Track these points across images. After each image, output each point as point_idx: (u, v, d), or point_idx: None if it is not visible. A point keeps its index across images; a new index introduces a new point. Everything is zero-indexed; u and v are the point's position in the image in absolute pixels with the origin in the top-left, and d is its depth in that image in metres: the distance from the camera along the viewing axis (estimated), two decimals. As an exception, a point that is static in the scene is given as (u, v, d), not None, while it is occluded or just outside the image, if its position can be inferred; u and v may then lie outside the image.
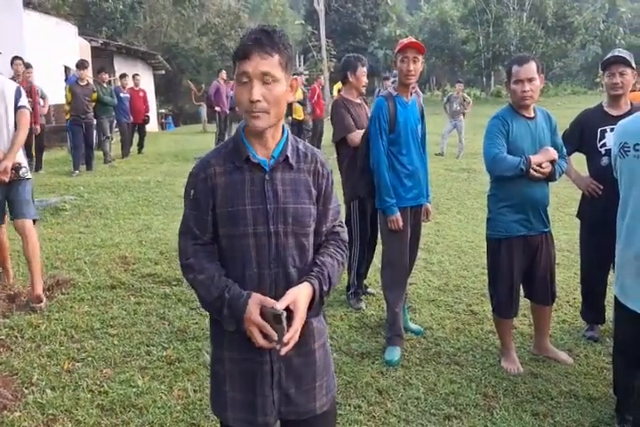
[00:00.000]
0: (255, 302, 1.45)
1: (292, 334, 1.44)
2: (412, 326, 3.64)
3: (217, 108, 11.93)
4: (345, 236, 1.70)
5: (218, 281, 1.50)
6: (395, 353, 3.24)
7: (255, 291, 1.48)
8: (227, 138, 12.28)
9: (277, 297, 1.46)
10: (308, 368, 1.59)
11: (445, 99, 13.03)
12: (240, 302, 1.45)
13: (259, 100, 1.45)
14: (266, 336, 1.44)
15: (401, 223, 3.29)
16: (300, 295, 1.47)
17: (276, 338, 1.42)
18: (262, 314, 1.43)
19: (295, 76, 1.58)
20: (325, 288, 1.54)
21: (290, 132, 1.63)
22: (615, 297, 2.49)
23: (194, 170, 1.58)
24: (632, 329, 2.41)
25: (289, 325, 1.42)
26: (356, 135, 3.86)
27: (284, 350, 1.44)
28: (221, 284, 1.49)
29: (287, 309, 1.43)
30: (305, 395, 1.58)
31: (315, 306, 1.53)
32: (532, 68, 2.98)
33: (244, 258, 1.53)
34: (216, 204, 1.53)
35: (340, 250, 1.65)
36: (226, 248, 1.56)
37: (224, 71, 12.80)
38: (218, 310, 1.50)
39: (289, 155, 1.55)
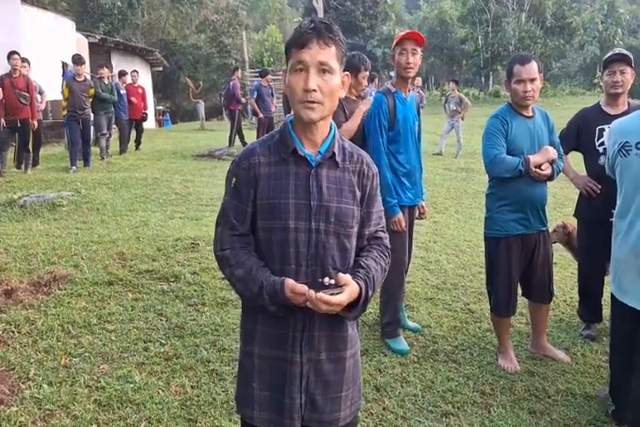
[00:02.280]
0: (289, 290, 1.41)
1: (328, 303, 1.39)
2: (410, 324, 3.63)
3: (242, 100, 12.43)
4: (387, 242, 1.64)
5: (255, 277, 1.46)
6: (402, 343, 3.27)
7: None
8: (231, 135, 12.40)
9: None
10: (337, 376, 1.55)
11: (444, 99, 13.04)
12: (279, 298, 1.43)
13: (314, 90, 1.42)
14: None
15: (404, 224, 3.27)
16: (350, 284, 1.42)
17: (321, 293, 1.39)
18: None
19: (347, 73, 1.53)
20: (370, 293, 1.49)
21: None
22: (612, 295, 2.50)
23: (237, 158, 1.54)
24: (629, 327, 2.42)
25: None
26: (347, 127, 3.64)
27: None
28: (258, 280, 1.46)
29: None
30: (331, 403, 1.55)
31: (357, 309, 1.48)
32: (533, 68, 2.96)
33: (283, 252, 1.48)
34: (257, 195, 1.49)
35: (383, 256, 1.60)
36: (263, 241, 1.51)
37: (240, 70, 13.41)
38: (261, 305, 1.47)
39: (336, 151, 1.52)
